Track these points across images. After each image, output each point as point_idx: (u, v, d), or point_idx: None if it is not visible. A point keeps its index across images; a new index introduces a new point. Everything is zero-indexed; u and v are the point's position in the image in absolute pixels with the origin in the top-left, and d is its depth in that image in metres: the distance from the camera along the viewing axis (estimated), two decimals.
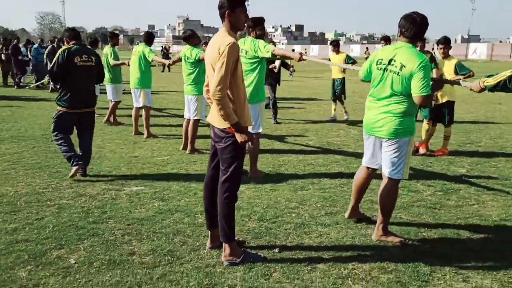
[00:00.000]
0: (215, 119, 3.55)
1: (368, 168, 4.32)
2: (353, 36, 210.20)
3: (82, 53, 5.68)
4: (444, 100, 7.28)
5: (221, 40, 3.43)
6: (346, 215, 4.53)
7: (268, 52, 5.56)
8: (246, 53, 5.77)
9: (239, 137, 3.46)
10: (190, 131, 7.23)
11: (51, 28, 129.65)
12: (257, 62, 5.74)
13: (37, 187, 5.38)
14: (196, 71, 7.06)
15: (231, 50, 3.34)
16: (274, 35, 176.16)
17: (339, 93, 11.09)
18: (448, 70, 7.13)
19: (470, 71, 7.05)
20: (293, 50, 13.09)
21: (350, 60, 10.68)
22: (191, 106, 7.28)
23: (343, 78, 11.11)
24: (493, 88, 3.42)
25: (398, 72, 3.81)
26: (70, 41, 5.82)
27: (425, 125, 7.51)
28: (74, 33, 5.88)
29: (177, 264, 3.58)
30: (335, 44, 11.02)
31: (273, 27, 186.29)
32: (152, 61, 8.16)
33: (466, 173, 6.33)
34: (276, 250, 3.85)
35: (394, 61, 3.87)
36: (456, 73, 7.00)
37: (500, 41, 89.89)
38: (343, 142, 8.42)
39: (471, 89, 3.90)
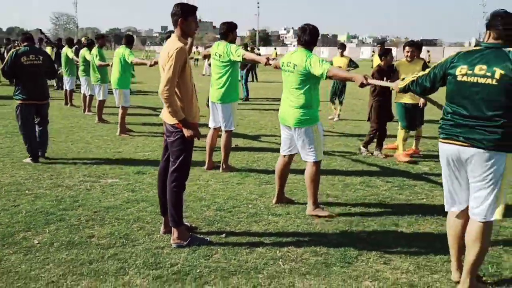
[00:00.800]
0: (165, 115, 3.94)
1: (284, 156, 5.01)
2: (365, 38, 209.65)
3: (30, 53, 6.53)
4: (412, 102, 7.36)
5: (171, 45, 3.82)
6: (273, 201, 5.13)
7: (239, 56, 5.97)
8: (219, 57, 6.18)
9: (186, 132, 3.85)
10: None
11: (66, 29, 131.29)
12: (229, 65, 6.14)
13: (19, 178, 5.82)
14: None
15: (178, 54, 3.73)
16: (286, 37, 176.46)
17: (339, 94, 11.49)
18: (413, 71, 7.14)
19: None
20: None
21: (353, 64, 11.22)
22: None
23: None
24: (403, 90, 3.78)
25: (292, 71, 4.61)
26: (22, 43, 6.73)
27: (403, 134, 7.41)
28: (25, 37, 6.81)
29: (130, 246, 3.97)
30: (343, 48, 11.55)
31: (285, 29, 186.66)
32: (131, 63, 8.60)
33: (428, 171, 6.65)
34: (223, 235, 4.23)
35: (290, 63, 4.66)
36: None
37: None
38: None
39: (392, 89, 4.38)
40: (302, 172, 5.19)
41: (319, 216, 4.75)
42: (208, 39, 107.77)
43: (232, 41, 6.27)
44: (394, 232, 4.40)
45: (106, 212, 4.74)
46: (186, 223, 4.36)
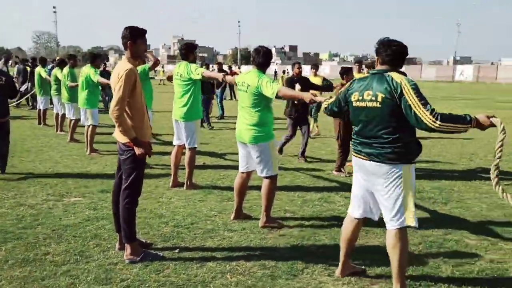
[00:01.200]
0: (118, 134, 4.08)
1: (242, 173, 5.19)
2: (347, 56, 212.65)
3: None
4: None
5: (121, 66, 3.99)
6: (232, 217, 5.29)
7: (198, 74, 6.19)
8: (180, 76, 6.37)
9: (137, 150, 4.00)
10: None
11: (47, 47, 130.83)
12: (191, 83, 6.33)
13: None
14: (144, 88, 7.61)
15: (128, 76, 3.90)
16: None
17: (315, 111, 11.91)
18: None
19: None
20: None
21: (326, 82, 11.52)
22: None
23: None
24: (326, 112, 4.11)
25: (246, 91, 4.83)
26: None
27: None
28: None
29: (83, 262, 4.07)
30: (315, 68, 11.87)
31: None
32: (97, 82, 8.73)
33: None
34: (177, 251, 4.35)
35: (244, 82, 4.89)
36: None
37: (492, 63, 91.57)
38: (291, 159, 8.96)
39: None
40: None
41: (271, 227, 4.96)
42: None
43: (193, 61, 6.48)
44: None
45: (64, 230, 4.83)
46: (141, 240, 4.48)
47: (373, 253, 4.35)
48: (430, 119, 3.23)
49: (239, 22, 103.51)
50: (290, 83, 8.52)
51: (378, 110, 3.43)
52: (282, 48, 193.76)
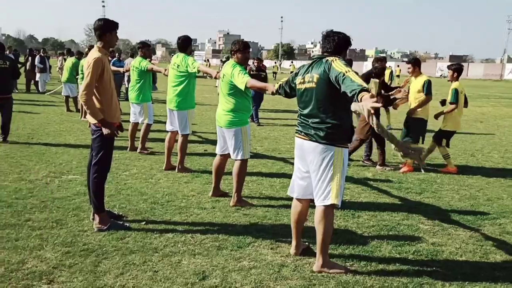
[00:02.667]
0: (89, 116, 4.55)
1: (220, 155, 5.61)
2: (394, 53, 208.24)
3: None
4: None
5: (91, 55, 4.46)
6: (210, 194, 5.76)
7: (194, 68, 6.61)
8: (177, 67, 6.81)
9: (104, 130, 4.44)
10: (141, 132, 8.26)
11: None
12: (186, 75, 6.75)
13: None
14: (142, 80, 8.10)
15: (96, 63, 4.36)
16: (312, 51, 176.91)
17: None
18: (415, 86, 7.45)
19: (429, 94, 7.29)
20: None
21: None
22: (137, 112, 8.31)
23: None
24: (275, 93, 4.47)
25: (223, 80, 5.24)
26: None
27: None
28: None
29: (57, 228, 4.57)
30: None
31: (312, 43, 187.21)
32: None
33: (370, 177, 7.07)
34: (143, 223, 4.79)
35: (222, 73, 5.33)
36: (423, 90, 7.28)
37: None
38: (290, 149, 9.25)
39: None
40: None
41: (241, 206, 5.36)
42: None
43: (189, 54, 6.89)
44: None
45: (52, 201, 5.37)
46: (113, 212, 4.95)
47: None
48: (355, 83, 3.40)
49: (281, 17, 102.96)
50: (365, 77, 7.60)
51: (314, 90, 3.76)
52: None
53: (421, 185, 6.59)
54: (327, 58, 3.77)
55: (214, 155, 8.44)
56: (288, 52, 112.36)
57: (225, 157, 5.69)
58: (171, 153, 7.19)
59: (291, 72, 9.10)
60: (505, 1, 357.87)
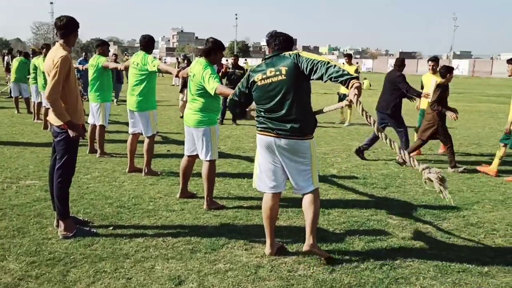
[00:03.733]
0: (52, 118, 4.34)
1: (188, 156, 5.51)
2: (346, 50, 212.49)
3: None
4: None
5: (55, 53, 4.25)
6: (178, 195, 5.66)
7: (154, 66, 6.44)
8: (137, 65, 6.62)
9: (71, 133, 4.26)
10: (97, 135, 7.98)
11: (46, 38, 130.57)
12: (146, 74, 6.58)
13: None
14: (100, 80, 7.84)
15: (63, 62, 4.17)
16: (267, 49, 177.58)
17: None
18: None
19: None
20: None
21: (357, 72, 13.03)
22: (94, 113, 8.05)
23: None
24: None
25: (192, 79, 5.13)
26: None
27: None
28: None
29: (19, 237, 4.34)
30: (349, 57, 13.60)
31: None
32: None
33: (336, 174, 7.15)
34: (111, 228, 4.63)
35: (191, 71, 5.19)
36: None
37: (492, 58, 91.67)
38: (253, 147, 9.22)
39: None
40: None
41: (215, 208, 5.27)
42: (189, 50, 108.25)
43: (150, 53, 6.72)
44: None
45: (11, 209, 5.10)
46: (78, 218, 4.76)
47: (296, 231, 4.63)
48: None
49: (236, 15, 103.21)
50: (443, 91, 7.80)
51: (284, 82, 3.82)
52: None
53: (385, 180, 6.72)
54: (288, 52, 3.90)
55: (178, 155, 8.39)
56: (244, 50, 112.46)
57: (193, 158, 5.59)
58: (134, 156, 7.00)
59: (247, 69, 9.42)
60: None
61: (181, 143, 9.41)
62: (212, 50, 5.19)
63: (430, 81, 8.36)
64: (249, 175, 6.83)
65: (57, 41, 4.42)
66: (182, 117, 13.16)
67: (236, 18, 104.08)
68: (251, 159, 7.99)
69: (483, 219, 5.10)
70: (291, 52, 3.90)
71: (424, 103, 8.59)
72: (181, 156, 8.17)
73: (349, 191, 6.14)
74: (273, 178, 4.04)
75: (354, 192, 6.11)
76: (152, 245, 4.25)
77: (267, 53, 4.14)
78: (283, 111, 3.81)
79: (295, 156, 3.89)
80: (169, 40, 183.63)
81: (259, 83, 3.93)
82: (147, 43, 6.72)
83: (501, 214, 5.28)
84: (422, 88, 8.94)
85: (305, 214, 3.98)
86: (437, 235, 4.60)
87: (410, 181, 6.71)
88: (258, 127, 4.02)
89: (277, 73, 3.84)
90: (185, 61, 16.12)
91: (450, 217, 5.14)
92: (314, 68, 3.69)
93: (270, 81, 3.87)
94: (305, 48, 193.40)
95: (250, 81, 4.02)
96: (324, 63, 3.67)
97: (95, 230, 4.52)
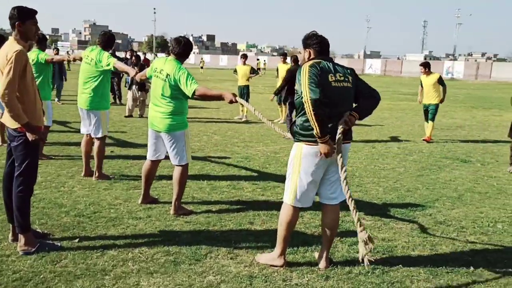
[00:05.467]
0: (7, 120, 3.83)
1: (152, 161, 5.20)
2: (264, 47, 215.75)
3: None
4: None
5: (9, 47, 3.74)
6: (139, 201, 5.31)
7: (109, 65, 5.96)
8: (91, 61, 6.10)
9: (30, 136, 3.77)
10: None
11: None
12: (100, 71, 6.08)
13: None
14: (42, 76, 7.18)
15: (18, 57, 3.67)
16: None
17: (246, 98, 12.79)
18: (430, 82, 10.46)
19: (445, 86, 10.50)
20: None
21: (253, 72, 13.53)
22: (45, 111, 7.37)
23: (248, 86, 13.44)
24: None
25: (165, 80, 4.76)
26: None
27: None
28: None
29: None
30: (245, 57, 14.12)
31: (184, 35, 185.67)
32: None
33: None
34: (76, 240, 4.20)
35: (162, 71, 4.80)
36: (440, 83, 10.39)
37: (398, 58, 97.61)
38: (201, 147, 8.94)
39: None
40: (171, 177, 5.30)
41: (184, 214, 4.96)
42: None
43: (106, 49, 6.22)
44: (247, 230, 4.66)
45: None
46: (37, 230, 4.28)
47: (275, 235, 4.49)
48: None
49: (154, 9, 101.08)
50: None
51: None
52: (200, 37, 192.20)
53: None
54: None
55: (123, 157, 7.91)
56: (162, 45, 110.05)
57: (156, 162, 5.26)
58: (90, 158, 6.45)
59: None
60: (365, 2, 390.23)
61: (125, 143, 8.93)
62: (189, 52, 4.94)
63: (427, 81, 10.50)
64: (207, 177, 6.60)
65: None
66: (127, 116, 12.59)
67: (155, 13, 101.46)
68: (202, 159, 7.73)
69: (448, 217, 5.28)
70: (346, 66, 3.87)
71: (427, 98, 10.54)
72: (128, 158, 7.80)
73: None
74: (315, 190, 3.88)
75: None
76: (129, 258, 3.90)
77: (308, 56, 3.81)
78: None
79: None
80: (80, 33, 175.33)
81: (333, 84, 3.64)
82: (108, 41, 6.24)
83: (462, 211, 5.49)
84: (421, 87, 10.73)
85: (331, 227, 3.90)
86: (413, 235, 4.67)
87: (367, 179, 6.81)
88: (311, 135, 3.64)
89: (346, 79, 3.71)
90: (133, 58, 14.76)
91: (418, 216, 5.25)
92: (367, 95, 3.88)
93: (342, 85, 3.68)
94: (223, 45, 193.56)
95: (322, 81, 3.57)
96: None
97: (59, 244, 4.07)
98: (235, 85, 15.30)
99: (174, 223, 4.76)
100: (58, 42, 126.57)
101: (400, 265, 3.95)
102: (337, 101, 3.64)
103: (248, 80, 13.39)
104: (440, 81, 10.52)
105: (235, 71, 13.83)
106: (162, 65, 4.88)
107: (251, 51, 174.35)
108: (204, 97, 4.72)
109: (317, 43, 3.77)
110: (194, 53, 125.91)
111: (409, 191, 6.27)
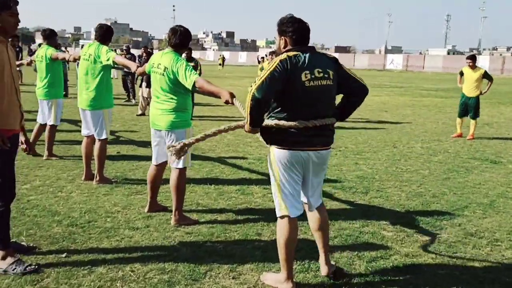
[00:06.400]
0: None
1: (156, 165, 4.77)
2: None
3: None
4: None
5: None
6: (146, 210, 4.86)
7: (109, 60, 5.58)
8: (89, 57, 5.74)
9: None
10: (46, 136, 6.99)
11: None
12: (100, 68, 5.70)
13: None
14: (51, 72, 6.85)
15: None
16: (205, 41, 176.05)
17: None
18: (474, 77, 10.15)
19: (491, 80, 10.36)
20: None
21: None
22: (45, 111, 7.05)
23: None
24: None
25: (163, 74, 4.34)
26: None
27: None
28: None
29: None
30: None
31: (204, 33, 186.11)
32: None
33: None
34: (63, 255, 3.80)
35: (160, 65, 4.38)
36: (486, 78, 10.20)
37: (421, 53, 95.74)
38: (212, 147, 8.51)
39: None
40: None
41: (187, 224, 4.52)
42: (124, 41, 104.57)
43: (104, 43, 5.83)
44: (254, 242, 4.20)
45: None
46: (22, 243, 3.90)
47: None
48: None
49: (174, 6, 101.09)
50: None
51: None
52: (219, 34, 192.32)
53: (363, 183, 6.24)
54: (323, 52, 3.58)
55: (130, 157, 7.52)
56: None
57: (162, 166, 4.83)
58: (91, 160, 6.06)
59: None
60: None
61: (132, 144, 8.56)
62: (187, 43, 4.50)
63: (472, 75, 10.18)
64: (215, 181, 6.16)
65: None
66: (139, 115, 12.25)
67: (174, 10, 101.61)
68: (212, 159, 7.30)
69: (480, 227, 4.72)
70: (329, 54, 3.39)
71: (468, 91, 10.27)
72: (134, 158, 7.41)
73: (328, 198, 5.58)
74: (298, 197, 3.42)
75: (334, 199, 5.56)
76: (119, 276, 3.48)
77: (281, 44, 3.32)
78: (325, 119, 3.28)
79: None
80: None
81: (307, 84, 3.15)
82: (105, 33, 5.86)
83: (495, 221, 4.93)
84: (461, 77, 10.59)
85: (322, 232, 3.52)
86: (440, 250, 4.15)
87: (389, 183, 6.28)
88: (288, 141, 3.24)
89: (326, 75, 3.21)
90: (144, 55, 14.53)
91: (446, 226, 4.72)
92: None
93: (319, 83, 3.18)
94: (243, 42, 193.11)
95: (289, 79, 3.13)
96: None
97: (34, 266, 3.58)
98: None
99: (174, 234, 4.33)
100: (80, 40, 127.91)
101: (427, 287, 3.44)
102: (312, 102, 3.20)
103: None
104: (486, 75, 10.23)
105: (262, 68, 13.38)
106: (159, 58, 4.47)
107: (270, 47, 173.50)
108: (203, 90, 4.27)
109: (293, 31, 3.26)
110: (213, 50, 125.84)
111: (434, 197, 5.72)
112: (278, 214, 3.37)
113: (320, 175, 3.43)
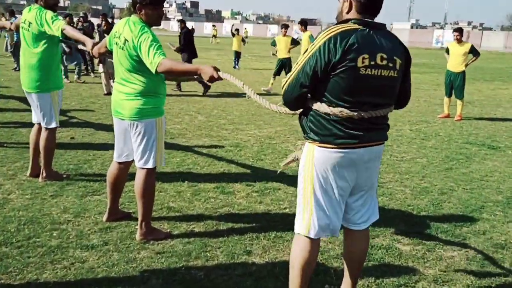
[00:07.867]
0: None
1: (120, 163, 3.76)
2: (249, 15, 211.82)
3: None
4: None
5: None
6: (104, 218, 3.89)
7: (58, 30, 4.41)
8: (29, 25, 4.56)
9: None
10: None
11: None
12: (46, 38, 4.55)
13: None
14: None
15: None
16: (168, 11, 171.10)
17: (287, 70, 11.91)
18: (460, 51, 9.54)
19: (478, 54, 9.79)
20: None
21: (295, 43, 12.59)
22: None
23: (289, 58, 12.40)
24: None
25: (123, 47, 3.35)
26: None
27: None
28: None
29: None
30: (286, 27, 12.89)
31: (167, 3, 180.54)
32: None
33: (296, 169, 5.73)
34: None
35: (121, 35, 3.39)
36: (472, 53, 9.63)
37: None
38: (182, 131, 7.51)
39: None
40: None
41: (157, 239, 3.60)
42: (82, 9, 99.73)
43: (50, 7, 4.63)
44: (243, 265, 3.31)
45: None
46: None
47: (285, 275, 3.16)
48: None
49: None
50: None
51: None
52: (183, 3, 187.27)
53: None
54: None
55: (87, 145, 6.41)
56: None
57: (126, 165, 3.82)
58: (39, 153, 4.95)
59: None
60: None
61: (90, 125, 7.46)
62: (146, 4, 3.35)
63: (458, 50, 9.58)
64: (188, 175, 5.21)
65: None
66: (106, 94, 10.86)
67: None
68: (182, 147, 6.33)
69: (508, 235, 3.98)
70: (398, 40, 2.45)
71: (452, 66, 9.66)
72: (91, 146, 6.31)
73: None
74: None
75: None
76: None
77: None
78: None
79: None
80: None
81: (363, 72, 2.29)
82: None
83: None
84: (448, 54, 9.93)
85: (358, 264, 2.74)
86: (472, 268, 3.37)
87: (388, 177, 5.47)
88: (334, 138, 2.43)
89: (391, 63, 2.35)
90: (104, 24, 12.91)
91: (469, 235, 3.95)
92: None
93: (380, 73, 2.32)
94: (208, 12, 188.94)
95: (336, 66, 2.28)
96: None
97: None
98: (220, 55, 13.83)
99: (140, 255, 3.39)
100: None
101: None
102: (367, 93, 2.34)
103: (289, 51, 12.42)
104: (473, 50, 9.66)
105: (274, 43, 12.84)
106: (121, 27, 3.43)
107: (236, 18, 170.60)
108: (172, 74, 3.30)
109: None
110: (177, 20, 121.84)
111: (443, 193, 4.97)
112: (299, 231, 2.55)
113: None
